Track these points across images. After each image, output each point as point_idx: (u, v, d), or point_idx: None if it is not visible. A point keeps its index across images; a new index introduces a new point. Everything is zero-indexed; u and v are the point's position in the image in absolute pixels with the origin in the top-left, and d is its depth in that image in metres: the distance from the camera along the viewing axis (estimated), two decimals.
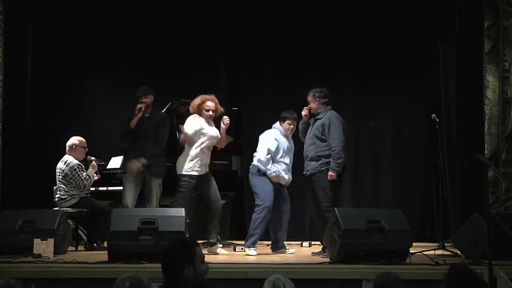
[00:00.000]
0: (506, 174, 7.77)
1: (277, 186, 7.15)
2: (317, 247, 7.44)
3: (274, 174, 7.08)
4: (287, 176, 7.20)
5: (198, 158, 6.86)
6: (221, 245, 7.15)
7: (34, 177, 8.49)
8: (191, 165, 6.85)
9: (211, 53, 9.63)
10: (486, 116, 8.14)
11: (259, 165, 7.14)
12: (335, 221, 6.00)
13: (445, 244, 7.32)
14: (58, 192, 7.42)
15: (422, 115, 9.38)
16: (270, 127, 7.37)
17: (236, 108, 9.27)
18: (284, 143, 7.21)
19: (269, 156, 7.13)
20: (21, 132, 8.59)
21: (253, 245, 6.95)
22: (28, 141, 8.65)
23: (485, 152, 8.03)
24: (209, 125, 6.99)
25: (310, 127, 7.23)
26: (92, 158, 7.50)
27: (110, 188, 7.61)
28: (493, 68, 8.17)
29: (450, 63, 8.97)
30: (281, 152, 7.17)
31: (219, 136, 7.02)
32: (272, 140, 7.20)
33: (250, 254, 6.85)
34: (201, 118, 6.93)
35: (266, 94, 9.73)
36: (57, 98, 9.11)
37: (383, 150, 9.68)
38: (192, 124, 6.87)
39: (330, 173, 6.94)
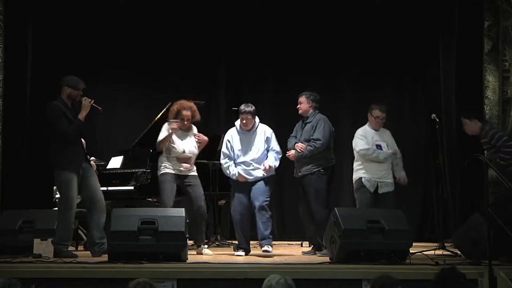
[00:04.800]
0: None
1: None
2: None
3: (234, 176, 6.97)
4: (245, 174, 6.93)
5: (167, 161, 6.92)
6: (206, 246, 7.16)
7: (34, 177, 8.49)
8: (162, 165, 6.93)
9: (211, 53, 9.65)
10: (486, 116, 8.14)
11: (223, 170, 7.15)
12: (335, 221, 6.00)
13: (445, 244, 7.33)
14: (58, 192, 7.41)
15: (422, 115, 9.39)
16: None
17: (236, 108, 9.27)
18: (237, 140, 7.04)
19: (224, 159, 7.04)
20: (21, 132, 8.59)
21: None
22: (28, 141, 8.65)
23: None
24: (180, 134, 6.97)
25: (300, 131, 7.22)
26: (92, 158, 7.50)
27: (110, 188, 7.59)
28: (493, 68, 8.17)
29: (450, 63, 8.97)
30: (235, 151, 7.03)
31: (189, 152, 6.94)
32: (225, 141, 7.14)
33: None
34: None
35: (266, 94, 9.74)
36: (57, 98, 9.09)
37: None
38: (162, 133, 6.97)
39: (294, 150, 7.00)
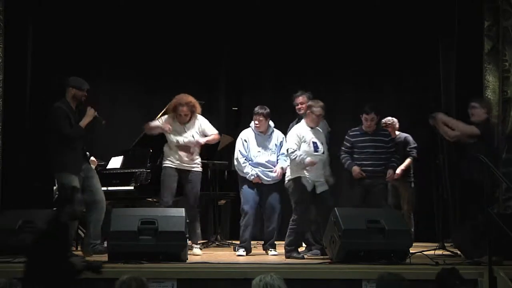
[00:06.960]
0: (506, 174, 7.75)
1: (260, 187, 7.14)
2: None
3: (252, 177, 7.07)
4: (263, 176, 7.08)
5: (168, 152, 7.05)
6: (197, 246, 7.14)
7: (34, 177, 8.48)
8: (164, 157, 7.08)
9: (211, 53, 9.66)
10: None
11: (236, 168, 7.20)
12: (335, 221, 6.01)
13: (445, 244, 7.32)
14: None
15: (422, 115, 9.36)
16: None
17: (236, 108, 9.28)
18: (253, 141, 7.15)
19: (242, 158, 7.12)
20: (21, 132, 8.58)
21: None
22: (28, 141, 8.64)
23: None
24: (178, 127, 7.06)
25: None
26: (92, 158, 7.50)
27: (110, 188, 7.59)
28: (493, 68, 8.16)
29: (450, 63, 8.96)
30: (252, 152, 7.15)
31: (186, 141, 7.00)
32: (241, 141, 7.20)
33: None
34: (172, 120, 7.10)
35: (266, 94, 9.74)
36: (57, 98, 9.09)
37: None
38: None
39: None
